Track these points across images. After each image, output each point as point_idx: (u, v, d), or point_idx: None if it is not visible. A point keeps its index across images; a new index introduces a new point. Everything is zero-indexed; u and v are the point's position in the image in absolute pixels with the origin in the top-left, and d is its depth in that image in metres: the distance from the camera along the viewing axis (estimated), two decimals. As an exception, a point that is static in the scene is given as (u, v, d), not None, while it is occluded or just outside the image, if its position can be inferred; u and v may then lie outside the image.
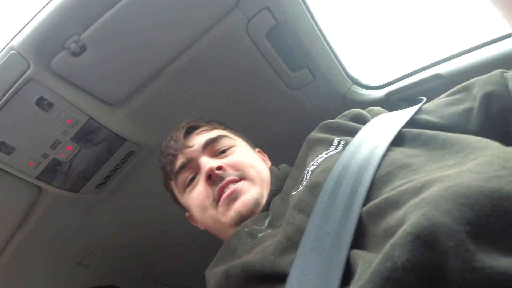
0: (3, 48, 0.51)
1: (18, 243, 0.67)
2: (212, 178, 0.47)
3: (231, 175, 0.47)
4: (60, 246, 0.71)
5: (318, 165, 0.38)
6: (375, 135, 0.36)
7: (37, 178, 0.59)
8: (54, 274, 0.75)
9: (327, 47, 0.63)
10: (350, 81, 0.68)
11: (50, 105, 0.54)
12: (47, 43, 0.50)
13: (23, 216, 0.64)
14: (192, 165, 0.50)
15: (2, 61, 0.50)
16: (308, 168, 0.40)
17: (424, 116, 0.41)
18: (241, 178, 0.47)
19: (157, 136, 0.67)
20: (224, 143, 0.52)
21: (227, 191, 0.46)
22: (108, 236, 0.76)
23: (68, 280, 0.77)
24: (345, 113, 0.48)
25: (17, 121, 0.54)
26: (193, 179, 0.50)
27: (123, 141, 0.62)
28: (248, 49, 0.61)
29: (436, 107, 0.43)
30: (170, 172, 0.52)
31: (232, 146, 0.52)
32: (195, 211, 0.51)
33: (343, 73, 0.67)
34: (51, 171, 0.60)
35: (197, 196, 0.49)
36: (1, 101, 0.51)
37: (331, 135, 0.43)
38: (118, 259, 0.80)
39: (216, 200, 0.47)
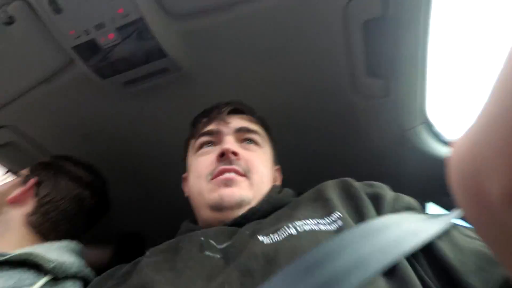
0: None
1: (33, 98, 0.69)
2: (224, 157, 0.48)
3: (240, 166, 0.48)
4: (69, 118, 0.73)
5: (299, 234, 0.34)
6: (373, 245, 0.30)
7: (73, 48, 0.58)
8: (56, 139, 0.79)
9: (423, 71, 0.52)
10: (421, 119, 0.58)
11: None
12: None
13: (46, 76, 0.65)
14: (217, 136, 0.53)
15: None
16: (291, 224, 0.36)
17: (442, 246, 0.32)
18: (245, 175, 0.48)
19: (199, 65, 0.63)
20: (254, 138, 0.54)
21: (226, 175, 0.47)
22: (110, 131, 0.77)
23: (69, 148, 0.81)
24: (369, 183, 0.44)
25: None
26: (209, 144, 0.53)
27: (164, 55, 0.58)
28: (334, 30, 0.52)
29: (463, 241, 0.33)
30: (197, 131, 0.55)
31: (258, 146, 0.53)
32: (192, 175, 0.53)
33: (419, 107, 0.56)
34: (87, 49, 0.58)
35: (201, 162, 0.51)
36: None
37: (338, 203, 0.39)
38: (108, 156, 0.82)
39: (213, 176, 0.48)
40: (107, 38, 0.56)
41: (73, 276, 0.53)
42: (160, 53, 0.58)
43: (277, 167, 0.59)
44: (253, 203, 0.47)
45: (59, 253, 0.56)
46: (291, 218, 0.38)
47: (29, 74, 0.66)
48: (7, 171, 0.77)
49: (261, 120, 0.58)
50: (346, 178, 0.45)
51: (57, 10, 0.53)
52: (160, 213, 0.93)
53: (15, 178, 0.67)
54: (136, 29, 0.54)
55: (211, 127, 0.54)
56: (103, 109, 0.73)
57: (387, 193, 0.41)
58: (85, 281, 0.56)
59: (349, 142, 0.66)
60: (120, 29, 0.54)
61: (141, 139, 0.78)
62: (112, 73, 0.62)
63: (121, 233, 0.84)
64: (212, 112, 0.55)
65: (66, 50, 0.58)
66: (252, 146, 0.53)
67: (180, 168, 0.62)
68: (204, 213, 0.48)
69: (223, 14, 0.54)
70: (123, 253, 0.79)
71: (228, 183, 0.46)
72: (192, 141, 0.56)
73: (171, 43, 0.57)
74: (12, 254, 0.48)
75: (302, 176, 0.58)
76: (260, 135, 0.54)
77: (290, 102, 0.64)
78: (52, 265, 0.49)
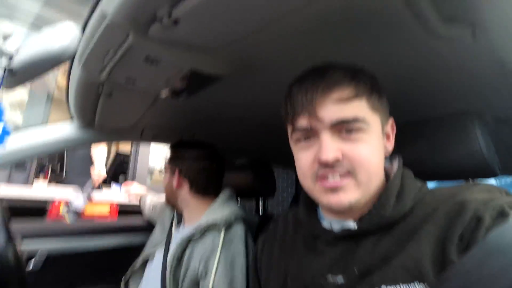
0: (93, 12, 0.45)
1: (152, 111, 0.90)
2: (323, 164, 0.45)
3: (343, 167, 0.45)
4: (180, 106, 0.87)
5: None
6: None
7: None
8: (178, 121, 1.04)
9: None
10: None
11: (157, 61, 0.54)
12: (140, 13, 0.43)
13: (150, 104, 0.82)
14: (312, 132, 0.47)
15: (100, 32, 0.47)
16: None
17: None
18: (350, 174, 0.45)
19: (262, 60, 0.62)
20: (356, 127, 0.45)
21: (330, 182, 0.45)
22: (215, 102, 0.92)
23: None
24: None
25: (133, 70, 0.58)
26: (305, 139, 0.49)
27: (220, 77, 0.63)
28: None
29: None
30: (289, 121, 0.50)
31: (363, 132, 0.45)
32: (297, 169, 0.51)
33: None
34: (172, 95, 0.70)
35: (302, 161, 0.49)
36: (113, 61, 0.54)
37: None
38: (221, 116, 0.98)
39: (317, 179, 0.47)
40: (177, 85, 0.64)
41: (234, 221, 0.88)
42: (217, 78, 0.63)
43: (389, 122, 0.53)
44: (363, 201, 0.47)
45: (220, 209, 0.90)
46: (388, 275, 0.41)
47: (139, 105, 0.84)
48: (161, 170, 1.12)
49: (362, 83, 0.47)
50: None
51: (132, 83, 0.64)
52: (274, 144, 1.16)
53: (166, 172, 1.02)
54: (191, 76, 0.60)
55: (302, 122, 0.47)
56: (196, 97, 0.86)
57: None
58: (243, 219, 0.91)
59: (441, 80, 0.59)
60: (181, 79, 0.61)
61: (240, 103, 0.87)
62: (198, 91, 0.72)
63: (253, 161, 1.16)
64: (299, 102, 0.47)
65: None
66: (354, 135, 0.45)
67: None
68: (320, 205, 0.54)
69: (260, 35, 0.50)
70: (258, 175, 1.13)
71: (333, 190, 0.45)
72: (288, 126, 0.52)
73: (221, 70, 0.60)
74: (201, 228, 0.84)
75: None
76: (361, 121, 0.45)
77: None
78: (221, 224, 0.84)
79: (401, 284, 0.40)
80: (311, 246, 0.53)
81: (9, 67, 0.45)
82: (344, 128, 0.45)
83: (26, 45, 0.44)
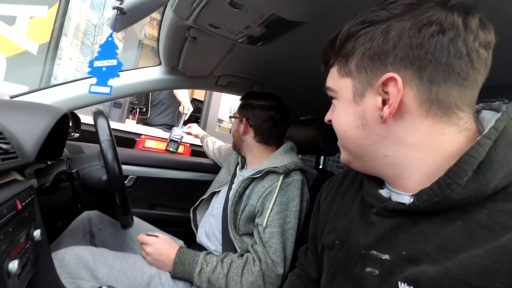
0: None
1: (228, 59, 0.95)
2: None
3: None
4: (251, 57, 0.93)
5: None
6: None
7: (238, 42, 0.74)
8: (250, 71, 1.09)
9: None
10: None
11: (240, 5, 0.56)
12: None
13: (228, 50, 0.86)
14: None
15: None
16: None
17: None
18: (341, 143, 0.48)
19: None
20: (330, 95, 0.47)
21: None
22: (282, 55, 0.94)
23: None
24: None
25: (217, 15, 0.62)
26: None
27: (301, 22, 0.62)
28: None
29: None
30: None
31: (335, 100, 0.46)
32: None
33: None
34: (249, 40, 0.72)
35: None
36: (200, 5, 0.58)
37: None
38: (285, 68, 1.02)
39: None
40: (256, 31, 0.67)
41: (293, 170, 0.93)
42: (295, 25, 0.63)
43: (380, 80, 0.38)
44: (359, 165, 0.46)
45: (281, 157, 0.96)
46: None
47: (219, 51, 0.90)
48: (230, 117, 1.19)
49: (337, 47, 0.43)
50: None
51: (215, 27, 0.68)
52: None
53: (235, 119, 1.09)
54: (270, 22, 0.61)
55: None
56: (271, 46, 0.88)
57: None
58: (300, 169, 0.95)
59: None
60: (260, 24, 0.63)
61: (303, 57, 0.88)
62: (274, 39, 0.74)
63: (318, 118, 1.16)
64: None
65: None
66: (334, 103, 0.47)
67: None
68: None
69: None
70: (322, 132, 1.13)
71: None
72: None
73: (301, 15, 0.60)
74: (263, 170, 0.91)
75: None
76: (330, 89, 0.46)
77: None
78: (281, 170, 0.89)
79: None
80: (365, 212, 0.47)
81: (120, 7, 0.52)
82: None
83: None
